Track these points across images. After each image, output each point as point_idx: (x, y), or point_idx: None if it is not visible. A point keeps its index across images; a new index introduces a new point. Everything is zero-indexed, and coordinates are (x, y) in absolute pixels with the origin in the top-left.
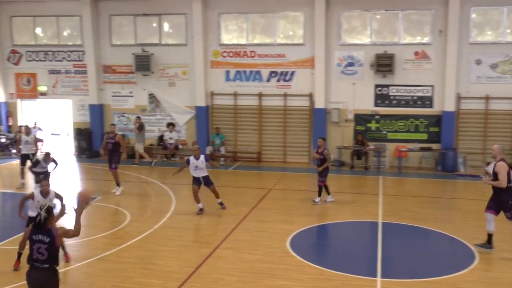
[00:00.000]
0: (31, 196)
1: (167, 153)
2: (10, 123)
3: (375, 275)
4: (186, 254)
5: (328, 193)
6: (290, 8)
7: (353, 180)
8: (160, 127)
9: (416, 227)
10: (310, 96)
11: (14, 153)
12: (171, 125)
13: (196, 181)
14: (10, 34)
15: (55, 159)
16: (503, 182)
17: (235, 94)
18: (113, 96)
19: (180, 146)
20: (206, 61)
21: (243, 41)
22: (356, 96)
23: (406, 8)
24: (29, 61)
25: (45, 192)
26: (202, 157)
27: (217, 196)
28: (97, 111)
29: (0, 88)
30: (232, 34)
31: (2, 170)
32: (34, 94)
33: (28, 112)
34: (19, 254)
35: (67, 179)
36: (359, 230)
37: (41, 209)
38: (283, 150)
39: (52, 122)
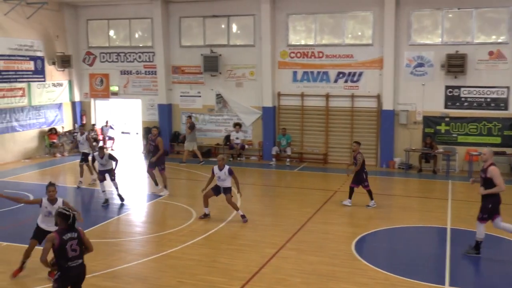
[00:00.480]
0: (39, 202)
1: (233, 153)
2: (83, 122)
3: (443, 283)
4: (250, 253)
5: (349, 198)
6: (359, 8)
7: (421, 184)
8: (227, 127)
9: (487, 235)
10: (378, 97)
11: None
12: (237, 125)
13: (216, 188)
14: (86, 37)
15: (113, 155)
16: (501, 185)
17: (302, 95)
18: (181, 96)
19: (246, 146)
20: (274, 62)
21: (311, 41)
22: (426, 97)
23: (480, 6)
24: (102, 62)
25: (51, 199)
26: (226, 168)
27: (236, 209)
28: (166, 110)
29: (75, 88)
30: (300, 34)
31: (76, 166)
32: (106, 94)
33: (100, 111)
34: (23, 263)
35: (135, 176)
36: (426, 235)
37: (67, 211)
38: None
39: (122, 121)
